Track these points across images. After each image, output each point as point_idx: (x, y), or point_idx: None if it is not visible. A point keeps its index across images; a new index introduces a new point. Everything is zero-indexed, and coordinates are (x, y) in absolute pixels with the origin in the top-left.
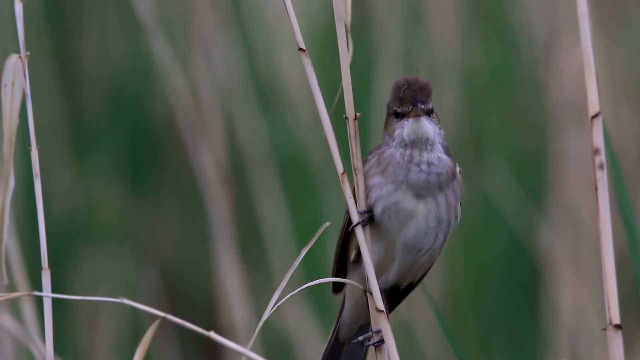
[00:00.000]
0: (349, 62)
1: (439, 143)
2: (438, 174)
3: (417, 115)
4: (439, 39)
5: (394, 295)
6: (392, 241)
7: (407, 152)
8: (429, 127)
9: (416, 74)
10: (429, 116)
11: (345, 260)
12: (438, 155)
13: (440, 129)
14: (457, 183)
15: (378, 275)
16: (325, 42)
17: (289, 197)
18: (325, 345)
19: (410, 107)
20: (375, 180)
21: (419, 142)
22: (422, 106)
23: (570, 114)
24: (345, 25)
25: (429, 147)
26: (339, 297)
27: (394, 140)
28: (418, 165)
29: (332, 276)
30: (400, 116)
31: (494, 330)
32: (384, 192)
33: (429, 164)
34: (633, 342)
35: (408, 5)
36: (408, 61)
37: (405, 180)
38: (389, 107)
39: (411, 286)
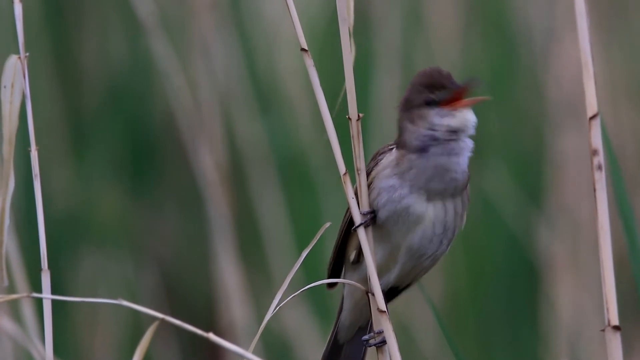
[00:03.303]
0: (352, 63)
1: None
2: (455, 186)
3: (466, 105)
4: (439, 39)
5: (390, 294)
6: (396, 244)
7: (445, 146)
8: (474, 118)
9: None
10: None
11: (341, 260)
12: (463, 161)
13: None
14: (466, 192)
15: (379, 276)
16: (324, 42)
17: (288, 197)
18: (325, 347)
19: (454, 93)
20: (389, 182)
21: (462, 133)
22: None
23: (568, 114)
24: (348, 27)
25: (461, 145)
26: (333, 292)
27: (432, 130)
28: (442, 173)
29: (327, 275)
30: (438, 104)
31: (493, 331)
32: (396, 196)
33: (454, 171)
34: (632, 343)
35: (408, 5)
36: (407, 61)
37: (424, 186)
38: (412, 101)
39: (408, 286)
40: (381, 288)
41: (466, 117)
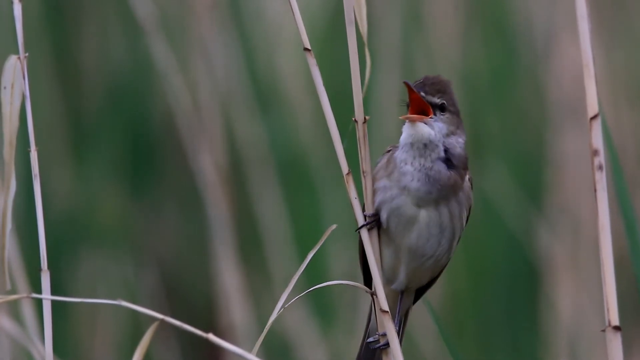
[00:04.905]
0: (357, 64)
1: (445, 150)
2: (439, 189)
3: (414, 120)
4: (439, 39)
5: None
6: (398, 245)
7: (409, 158)
8: (424, 130)
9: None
10: (441, 112)
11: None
12: (439, 169)
13: (453, 133)
14: (464, 193)
15: (393, 278)
16: (324, 42)
17: (288, 198)
18: (358, 351)
19: (411, 103)
20: (382, 183)
21: (419, 148)
22: (425, 96)
23: (569, 114)
24: (362, 36)
25: (429, 154)
26: (336, 294)
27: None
28: (418, 179)
29: (362, 280)
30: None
31: (493, 332)
32: (388, 196)
33: (428, 177)
34: (632, 343)
35: (408, 5)
36: (408, 62)
37: (406, 189)
38: None
39: (428, 286)
40: (397, 289)
41: (411, 132)
